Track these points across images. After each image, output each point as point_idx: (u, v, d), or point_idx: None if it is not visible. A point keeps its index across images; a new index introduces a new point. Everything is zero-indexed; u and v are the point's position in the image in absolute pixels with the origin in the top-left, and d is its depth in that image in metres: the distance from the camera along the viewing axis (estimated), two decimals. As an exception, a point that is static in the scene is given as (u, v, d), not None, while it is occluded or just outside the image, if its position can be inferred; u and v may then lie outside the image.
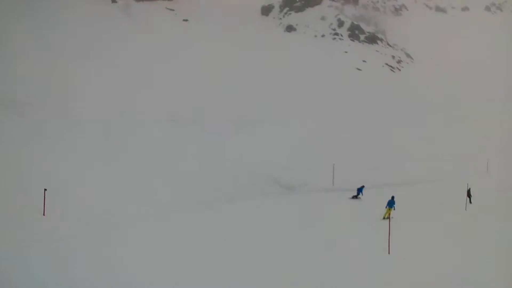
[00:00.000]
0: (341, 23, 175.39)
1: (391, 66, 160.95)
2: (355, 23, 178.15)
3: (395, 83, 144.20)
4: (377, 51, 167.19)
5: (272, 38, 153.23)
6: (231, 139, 61.38)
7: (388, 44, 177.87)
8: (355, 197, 47.44)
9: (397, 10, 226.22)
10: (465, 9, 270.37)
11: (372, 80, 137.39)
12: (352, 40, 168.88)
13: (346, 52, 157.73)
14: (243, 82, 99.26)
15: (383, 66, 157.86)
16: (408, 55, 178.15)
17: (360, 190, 47.51)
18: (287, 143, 63.09)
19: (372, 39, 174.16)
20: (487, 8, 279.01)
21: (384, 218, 36.08)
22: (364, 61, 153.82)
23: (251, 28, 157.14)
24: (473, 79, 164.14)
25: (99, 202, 34.13)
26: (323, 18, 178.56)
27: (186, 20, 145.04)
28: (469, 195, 45.48)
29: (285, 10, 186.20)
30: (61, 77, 65.30)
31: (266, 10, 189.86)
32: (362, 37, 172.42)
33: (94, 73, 74.25)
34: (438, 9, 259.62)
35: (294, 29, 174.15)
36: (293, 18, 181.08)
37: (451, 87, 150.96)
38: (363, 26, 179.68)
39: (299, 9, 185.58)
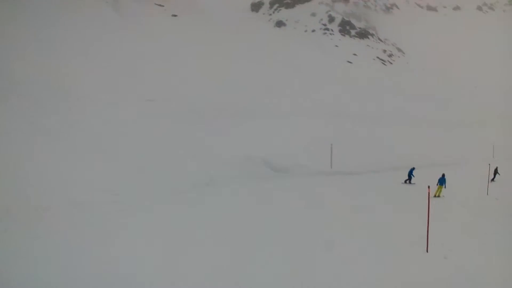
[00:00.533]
0: (331, 19, 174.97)
1: (383, 60, 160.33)
2: (346, 19, 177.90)
3: (388, 75, 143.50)
4: (368, 45, 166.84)
5: (261, 33, 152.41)
6: (222, 130, 56.67)
7: (379, 39, 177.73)
8: (407, 181, 41.63)
9: (388, 9, 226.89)
10: (456, 8, 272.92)
11: (363, 73, 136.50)
12: (343, 35, 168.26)
13: (337, 46, 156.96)
14: (233, 77, 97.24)
15: (374, 59, 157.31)
16: (399, 50, 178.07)
17: (411, 172, 41.75)
18: (279, 131, 59.95)
19: (363, 34, 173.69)
20: (479, 8, 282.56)
21: (435, 196, 34.20)
22: (355, 54, 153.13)
23: (240, 24, 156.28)
24: (465, 75, 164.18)
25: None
26: (313, 14, 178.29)
27: (175, 16, 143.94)
28: (495, 173, 44.87)
29: (275, 7, 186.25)
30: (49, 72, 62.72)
31: (256, 7, 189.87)
32: (353, 32, 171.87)
33: (81, 69, 71.81)
34: (429, 8, 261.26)
35: (284, 25, 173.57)
36: (283, 14, 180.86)
37: (442, 84, 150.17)
38: (354, 22, 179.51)
39: (289, 6, 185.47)
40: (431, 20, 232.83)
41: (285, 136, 55.70)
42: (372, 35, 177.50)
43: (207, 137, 49.39)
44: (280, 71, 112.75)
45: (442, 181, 35.03)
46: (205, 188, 32.82)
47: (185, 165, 37.85)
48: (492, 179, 43.66)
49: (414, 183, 40.52)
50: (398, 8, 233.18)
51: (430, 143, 69.07)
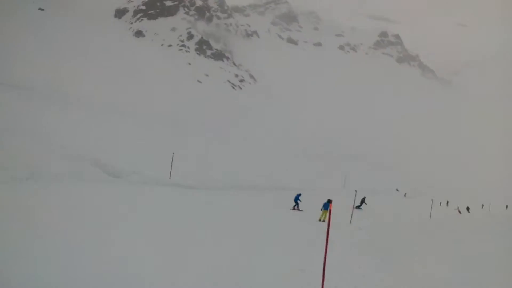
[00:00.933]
0: (190, 36, 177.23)
1: (233, 84, 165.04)
2: (205, 38, 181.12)
3: (236, 99, 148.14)
4: (221, 67, 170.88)
5: (117, 41, 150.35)
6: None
7: (234, 63, 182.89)
8: (296, 207, 39.25)
9: (248, 35, 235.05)
10: (317, 44, 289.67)
11: (211, 93, 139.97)
12: (198, 54, 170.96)
13: (189, 64, 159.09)
14: (74, 72, 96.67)
15: (224, 82, 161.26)
16: (251, 76, 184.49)
17: (297, 198, 39.49)
18: (117, 132, 58.62)
19: (218, 56, 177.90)
20: (341, 47, 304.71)
21: (320, 220, 34.09)
22: (206, 75, 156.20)
23: (100, 29, 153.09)
24: (313, 110, 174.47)
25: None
26: (173, 29, 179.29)
27: (42, 10, 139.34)
28: (362, 202, 46.51)
29: (138, 16, 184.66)
30: None
31: (120, 13, 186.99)
32: (209, 52, 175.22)
33: None
34: (290, 40, 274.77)
35: (143, 35, 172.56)
36: (145, 24, 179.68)
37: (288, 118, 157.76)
38: (212, 42, 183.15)
39: (152, 17, 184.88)
40: (289, 52, 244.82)
41: (125, 139, 54.93)
42: (227, 58, 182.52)
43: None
44: (123, 77, 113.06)
45: (326, 205, 34.21)
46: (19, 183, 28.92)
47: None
48: (358, 207, 44.40)
49: (302, 210, 37.75)
50: (258, 36, 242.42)
51: (279, 168, 70.14)
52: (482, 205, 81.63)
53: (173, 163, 42.69)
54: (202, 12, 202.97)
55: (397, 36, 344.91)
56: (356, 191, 38.68)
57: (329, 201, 31.35)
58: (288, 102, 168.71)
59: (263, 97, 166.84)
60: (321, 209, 34.86)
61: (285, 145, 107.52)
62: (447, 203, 62.30)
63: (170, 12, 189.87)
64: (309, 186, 59.03)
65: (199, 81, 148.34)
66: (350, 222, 32.31)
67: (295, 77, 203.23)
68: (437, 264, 18.56)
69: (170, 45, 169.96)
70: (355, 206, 38.41)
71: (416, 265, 18.02)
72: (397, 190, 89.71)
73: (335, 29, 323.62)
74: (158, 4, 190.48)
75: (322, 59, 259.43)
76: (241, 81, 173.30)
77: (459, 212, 59.28)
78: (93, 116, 64.06)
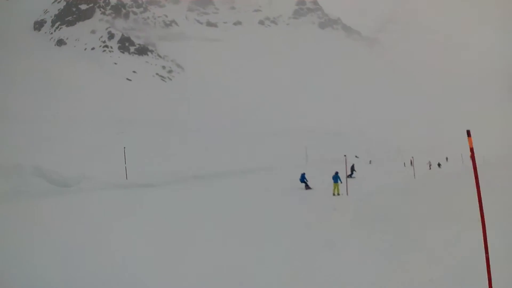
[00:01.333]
0: (111, 36, 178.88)
1: (162, 76, 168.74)
2: (126, 35, 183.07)
3: (168, 90, 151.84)
4: (147, 62, 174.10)
5: (41, 53, 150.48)
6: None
7: (158, 56, 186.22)
8: (306, 187, 38.97)
9: (167, 25, 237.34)
10: (237, 23, 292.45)
11: (142, 88, 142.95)
12: (122, 52, 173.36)
13: (116, 63, 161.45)
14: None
15: (153, 76, 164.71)
16: (179, 66, 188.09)
17: (303, 177, 39.31)
18: (55, 138, 57.71)
19: (142, 50, 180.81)
20: (261, 22, 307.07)
21: (334, 194, 33.35)
22: (134, 71, 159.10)
23: (20, 44, 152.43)
24: (249, 89, 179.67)
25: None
26: (93, 32, 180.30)
27: None
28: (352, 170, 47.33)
29: (56, 25, 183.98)
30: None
31: (38, 25, 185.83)
32: (132, 49, 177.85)
33: None
34: (209, 24, 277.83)
35: (65, 43, 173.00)
36: (64, 32, 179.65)
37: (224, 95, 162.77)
38: (133, 38, 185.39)
39: (71, 23, 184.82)
40: (211, 36, 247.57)
41: (67, 143, 53.80)
42: (151, 51, 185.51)
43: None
44: (50, 89, 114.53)
45: (336, 178, 34.28)
46: None
47: None
48: (350, 175, 43.72)
49: (312, 188, 37.59)
50: (177, 24, 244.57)
51: (236, 152, 69.56)
52: (447, 158, 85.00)
53: (127, 163, 39.53)
54: (118, 10, 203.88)
55: (315, 2, 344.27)
56: (345, 155, 36.88)
57: (337, 173, 33.08)
58: (222, 85, 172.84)
59: (194, 84, 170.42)
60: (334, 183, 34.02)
61: (234, 128, 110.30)
62: (411, 162, 61.03)
63: (86, 15, 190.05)
64: (274, 165, 58.47)
65: (128, 79, 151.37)
66: (347, 194, 31.62)
67: (222, 59, 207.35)
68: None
69: (93, 48, 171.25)
70: (347, 175, 37.17)
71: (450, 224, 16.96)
72: (356, 157, 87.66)
73: (252, 5, 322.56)
74: (74, 9, 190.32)
75: (245, 37, 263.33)
76: (170, 72, 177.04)
77: (430, 167, 62.85)
78: (29, 128, 65.11)
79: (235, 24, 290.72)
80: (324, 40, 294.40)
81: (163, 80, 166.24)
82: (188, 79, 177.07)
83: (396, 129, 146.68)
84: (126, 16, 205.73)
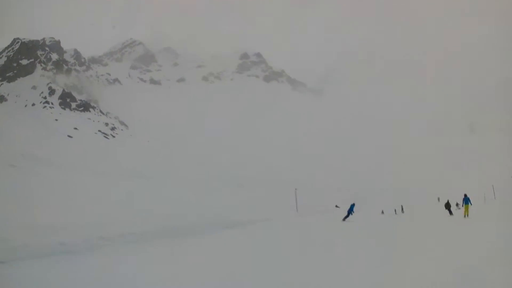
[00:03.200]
0: (52, 91, 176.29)
1: (105, 133, 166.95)
2: (67, 91, 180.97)
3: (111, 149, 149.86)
4: (89, 118, 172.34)
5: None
6: None
7: (101, 112, 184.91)
8: (345, 218, 40.27)
9: (110, 83, 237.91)
10: (181, 80, 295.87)
11: (83, 147, 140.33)
12: (63, 108, 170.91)
13: (57, 120, 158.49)
14: None
15: (96, 133, 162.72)
16: (122, 123, 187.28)
17: (351, 209, 41.07)
18: None
19: (84, 106, 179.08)
20: (205, 78, 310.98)
21: (464, 216, 35.51)
22: (76, 128, 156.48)
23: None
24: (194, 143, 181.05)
25: None
26: (34, 87, 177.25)
27: None
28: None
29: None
30: None
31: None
32: (73, 105, 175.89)
33: None
34: (153, 81, 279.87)
35: (6, 100, 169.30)
36: (5, 88, 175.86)
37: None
38: (75, 94, 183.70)
39: (11, 79, 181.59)
40: (155, 93, 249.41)
41: None
42: (94, 108, 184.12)
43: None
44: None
45: (467, 200, 35.70)
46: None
47: None
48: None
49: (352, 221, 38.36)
50: (120, 83, 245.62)
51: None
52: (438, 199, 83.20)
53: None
54: (60, 66, 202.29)
55: (259, 55, 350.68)
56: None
57: (465, 195, 35.96)
58: (168, 142, 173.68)
59: (138, 142, 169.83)
60: (462, 205, 36.57)
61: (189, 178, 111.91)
62: (402, 209, 61.60)
63: (27, 70, 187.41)
64: (270, 216, 54.78)
65: (69, 136, 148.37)
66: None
67: (165, 116, 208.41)
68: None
69: (33, 104, 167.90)
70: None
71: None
72: (336, 206, 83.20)
73: (195, 61, 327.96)
74: (15, 64, 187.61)
75: (188, 94, 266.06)
76: (113, 129, 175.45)
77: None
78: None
79: (178, 81, 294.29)
80: (269, 93, 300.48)
81: (106, 137, 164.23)
82: (132, 136, 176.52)
83: (354, 178, 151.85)
84: (68, 72, 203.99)
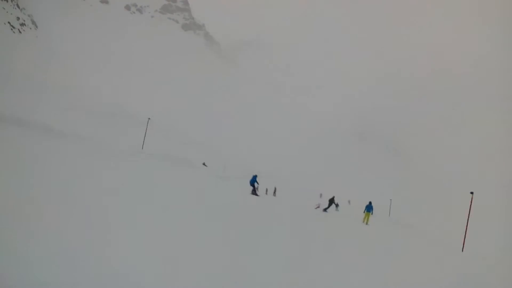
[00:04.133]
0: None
1: (13, 26, 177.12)
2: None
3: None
4: (3, 8, 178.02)
5: None
6: None
7: (17, 6, 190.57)
8: (253, 192, 39.20)
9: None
10: (104, 1, 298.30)
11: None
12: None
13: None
14: None
15: (5, 23, 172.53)
16: (33, 22, 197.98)
17: (254, 180, 38.88)
18: None
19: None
20: (127, 7, 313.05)
21: (364, 222, 35.32)
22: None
23: None
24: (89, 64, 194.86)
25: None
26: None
27: None
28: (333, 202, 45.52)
29: None
30: None
31: None
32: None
33: None
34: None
35: None
36: None
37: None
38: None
39: None
40: (75, 6, 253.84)
41: None
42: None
43: None
44: None
45: (369, 208, 35.72)
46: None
47: None
48: (325, 209, 42.80)
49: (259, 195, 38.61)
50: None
51: None
52: (349, 201, 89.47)
53: None
54: None
55: (186, 2, 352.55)
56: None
57: (370, 203, 37.27)
58: (71, 54, 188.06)
59: (40, 44, 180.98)
60: (364, 212, 36.79)
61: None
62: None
63: None
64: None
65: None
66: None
67: (76, 30, 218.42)
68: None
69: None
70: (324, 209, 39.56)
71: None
72: (204, 164, 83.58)
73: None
74: None
75: (105, 17, 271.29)
76: (22, 25, 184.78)
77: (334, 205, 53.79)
78: None
79: (101, 1, 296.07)
80: (183, 42, 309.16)
81: (12, 31, 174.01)
82: (37, 38, 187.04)
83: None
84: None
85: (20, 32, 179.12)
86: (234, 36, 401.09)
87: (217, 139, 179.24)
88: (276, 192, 54.36)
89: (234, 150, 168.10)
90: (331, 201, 43.59)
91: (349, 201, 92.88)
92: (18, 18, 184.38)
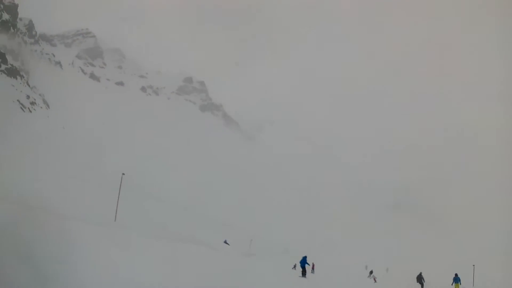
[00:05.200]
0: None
1: (23, 105, 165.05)
2: (2, 51, 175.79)
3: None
4: (13, 85, 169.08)
5: None
6: None
7: (27, 84, 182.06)
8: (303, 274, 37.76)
9: (50, 64, 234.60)
10: (120, 83, 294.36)
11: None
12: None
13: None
14: None
15: (13, 101, 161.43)
16: (45, 102, 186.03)
17: (304, 261, 37.82)
18: None
19: (12, 72, 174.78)
20: (143, 89, 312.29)
21: None
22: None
23: None
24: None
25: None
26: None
27: None
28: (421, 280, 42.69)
29: None
30: None
31: None
32: (3, 67, 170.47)
33: None
34: (93, 76, 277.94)
35: None
36: None
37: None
38: (9, 58, 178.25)
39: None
40: (90, 87, 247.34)
41: None
42: (22, 77, 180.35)
43: None
44: None
45: (457, 279, 36.51)
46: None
47: None
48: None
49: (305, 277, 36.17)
50: (61, 67, 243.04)
51: None
52: (387, 269, 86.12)
53: None
54: (7, 27, 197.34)
55: (202, 83, 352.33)
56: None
57: (456, 275, 38.49)
58: (85, 136, 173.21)
59: (52, 124, 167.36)
60: (452, 284, 37.42)
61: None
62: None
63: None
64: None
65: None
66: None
67: (89, 113, 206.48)
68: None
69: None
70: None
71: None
72: (226, 243, 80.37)
73: (140, 70, 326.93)
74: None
75: (122, 99, 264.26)
76: (32, 103, 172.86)
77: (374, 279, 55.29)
78: None
79: (117, 83, 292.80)
80: (201, 123, 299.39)
81: (22, 109, 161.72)
82: (49, 118, 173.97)
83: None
84: (12, 36, 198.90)
85: (30, 111, 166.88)
86: (254, 114, 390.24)
87: (242, 217, 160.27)
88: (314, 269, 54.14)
89: (259, 226, 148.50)
90: (419, 278, 42.13)
91: (387, 269, 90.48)
92: (28, 97, 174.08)
